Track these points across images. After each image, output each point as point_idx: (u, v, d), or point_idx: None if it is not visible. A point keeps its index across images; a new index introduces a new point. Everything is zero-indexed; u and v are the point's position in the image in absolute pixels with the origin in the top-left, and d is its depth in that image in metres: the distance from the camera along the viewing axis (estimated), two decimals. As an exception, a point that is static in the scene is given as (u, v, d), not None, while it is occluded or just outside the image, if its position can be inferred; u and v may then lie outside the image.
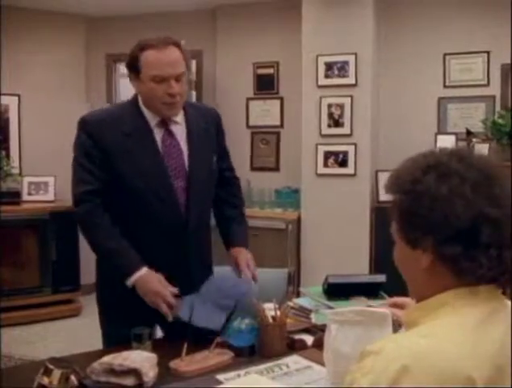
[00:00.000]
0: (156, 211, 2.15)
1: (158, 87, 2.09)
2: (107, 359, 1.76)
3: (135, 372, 1.72)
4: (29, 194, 5.34)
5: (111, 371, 1.74)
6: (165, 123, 2.20)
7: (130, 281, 2.05)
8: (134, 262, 2.07)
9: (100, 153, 2.11)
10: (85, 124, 2.16)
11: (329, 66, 4.57)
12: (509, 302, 1.12)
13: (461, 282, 1.07)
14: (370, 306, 1.75)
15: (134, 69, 2.13)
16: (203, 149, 2.31)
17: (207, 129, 2.39)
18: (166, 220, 2.16)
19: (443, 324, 1.04)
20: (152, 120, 2.18)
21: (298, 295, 3.00)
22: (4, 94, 5.55)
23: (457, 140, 4.55)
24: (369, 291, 2.30)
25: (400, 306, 1.73)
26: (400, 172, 1.14)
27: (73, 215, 2.17)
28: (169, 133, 2.21)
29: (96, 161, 2.11)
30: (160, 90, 2.09)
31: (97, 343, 2.85)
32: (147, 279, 2.04)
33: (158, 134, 2.18)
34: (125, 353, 1.79)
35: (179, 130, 2.24)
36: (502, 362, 1.01)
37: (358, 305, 1.84)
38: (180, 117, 2.25)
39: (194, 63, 5.51)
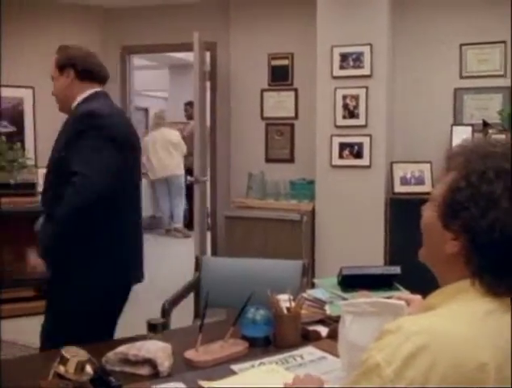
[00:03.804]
0: None
1: None
2: (121, 349, 1.77)
3: (150, 362, 1.73)
4: (45, 185, 5.37)
5: (126, 361, 1.75)
6: None
7: None
8: None
9: None
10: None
11: (344, 57, 4.54)
12: None
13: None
14: (388, 298, 1.75)
15: None
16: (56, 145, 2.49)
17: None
18: None
19: (461, 309, 1.05)
20: None
21: (312, 286, 3.00)
22: (19, 87, 5.59)
23: (473, 131, 4.52)
24: (384, 283, 2.29)
25: (407, 302, 1.72)
26: (475, 157, 1.09)
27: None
28: None
29: None
30: None
31: (112, 334, 2.85)
32: None
33: None
34: (140, 343, 1.80)
35: None
36: None
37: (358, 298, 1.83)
38: None
39: (208, 54, 5.50)
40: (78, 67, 2.47)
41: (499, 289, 1.05)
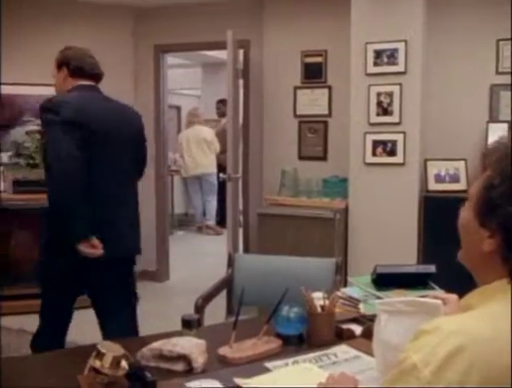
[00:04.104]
0: None
1: None
2: (156, 344, 1.79)
3: (184, 358, 1.74)
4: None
5: (161, 356, 1.76)
6: None
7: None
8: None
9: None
10: None
11: (378, 54, 4.50)
12: None
13: None
14: (423, 297, 1.73)
15: None
16: None
17: None
18: None
19: (499, 310, 1.03)
20: None
21: (345, 285, 2.99)
22: (53, 85, 5.65)
23: (510, 128, 4.44)
24: (418, 281, 2.27)
25: (442, 302, 1.70)
26: (509, 153, 1.07)
27: None
28: None
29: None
30: None
31: (145, 329, 2.89)
32: None
33: None
34: (175, 339, 1.81)
35: None
36: None
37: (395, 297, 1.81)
38: None
39: (241, 52, 5.50)
40: (71, 66, 2.91)
41: None
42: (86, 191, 2.61)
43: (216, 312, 3.21)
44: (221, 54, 7.81)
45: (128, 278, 3.04)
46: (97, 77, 2.97)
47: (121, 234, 2.84)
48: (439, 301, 1.65)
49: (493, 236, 1.06)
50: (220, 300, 3.18)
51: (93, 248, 2.65)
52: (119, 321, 2.92)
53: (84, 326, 4.73)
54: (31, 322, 4.62)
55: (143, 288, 5.66)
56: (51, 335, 2.97)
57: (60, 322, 2.99)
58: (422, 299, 1.69)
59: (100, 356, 1.52)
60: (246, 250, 5.50)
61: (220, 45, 5.21)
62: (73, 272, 2.76)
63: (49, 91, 5.75)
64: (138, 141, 3.03)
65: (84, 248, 2.63)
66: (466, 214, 1.14)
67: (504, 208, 1.04)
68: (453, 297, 1.77)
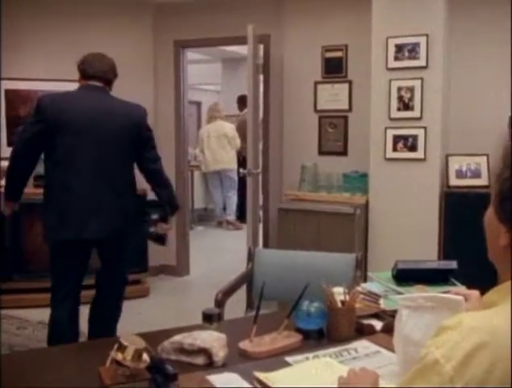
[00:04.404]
0: None
1: None
2: (177, 338, 1.80)
3: (205, 351, 1.76)
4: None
5: (182, 350, 1.78)
6: None
7: None
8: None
9: None
10: None
11: (399, 48, 4.47)
12: None
13: None
14: (445, 293, 1.72)
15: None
16: None
17: None
18: None
19: None
20: None
21: (365, 280, 2.98)
22: (73, 81, 5.69)
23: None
24: (439, 277, 2.26)
25: (464, 298, 1.69)
26: None
27: None
28: None
29: None
30: None
31: (166, 323, 2.91)
32: None
33: None
34: (196, 333, 1.82)
35: None
36: None
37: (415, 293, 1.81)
38: None
39: (261, 47, 5.50)
40: (79, 69, 3.43)
41: None
42: (32, 162, 3.32)
43: (236, 307, 3.22)
44: (241, 49, 7.83)
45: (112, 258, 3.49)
46: (102, 79, 3.40)
47: (82, 220, 3.23)
48: (461, 297, 1.64)
49: (508, 231, 1.06)
50: (241, 294, 3.19)
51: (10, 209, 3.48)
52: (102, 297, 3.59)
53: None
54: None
55: (157, 282, 5.70)
56: (65, 318, 3.36)
57: (69, 303, 3.38)
58: (444, 295, 1.69)
59: (122, 348, 1.54)
60: (266, 245, 5.51)
61: (240, 40, 5.21)
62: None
63: (69, 87, 5.82)
64: (125, 134, 3.34)
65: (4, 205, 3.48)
66: (489, 211, 1.14)
67: (511, 200, 1.03)
68: (475, 293, 1.76)
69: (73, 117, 3.22)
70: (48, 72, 5.57)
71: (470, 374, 0.94)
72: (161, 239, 3.70)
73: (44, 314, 4.66)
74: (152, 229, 3.57)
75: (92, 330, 3.58)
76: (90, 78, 3.37)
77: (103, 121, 3.28)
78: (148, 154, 3.44)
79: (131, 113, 3.42)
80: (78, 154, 3.21)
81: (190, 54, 6.62)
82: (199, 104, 11.87)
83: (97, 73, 3.37)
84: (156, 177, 3.49)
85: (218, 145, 8.56)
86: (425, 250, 4.39)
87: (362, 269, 3.16)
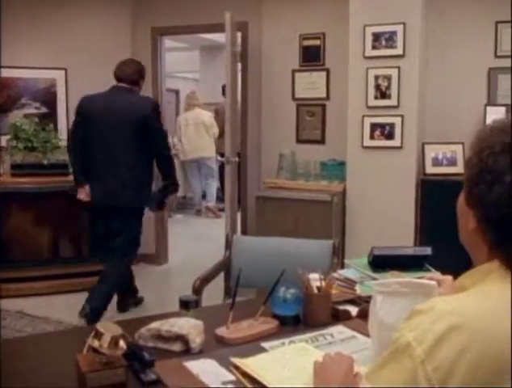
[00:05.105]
0: None
1: None
2: (154, 325, 1.80)
3: (182, 338, 1.76)
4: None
5: (159, 337, 1.78)
6: None
7: None
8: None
9: None
10: None
11: (376, 37, 4.48)
12: None
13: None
14: (419, 278, 1.74)
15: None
16: None
17: None
18: None
19: (493, 290, 1.04)
20: None
21: (342, 266, 3.00)
22: (51, 69, 5.66)
23: (507, 111, 4.44)
24: (414, 263, 2.29)
25: (438, 283, 1.71)
26: (489, 134, 1.09)
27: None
28: None
29: None
30: None
31: (144, 311, 2.91)
32: None
33: None
34: (172, 320, 1.83)
35: None
36: None
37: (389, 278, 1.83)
38: None
39: (239, 35, 5.48)
40: (114, 73, 4.33)
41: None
42: (81, 152, 4.24)
43: (214, 294, 3.23)
44: (219, 37, 7.80)
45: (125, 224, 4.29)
46: (127, 81, 4.30)
47: (109, 189, 4.19)
48: (434, 283, 1.66)
49: (474, 215, 1.08)
50: (219, 282, 3.20)
51: (84, 195, 4.31)
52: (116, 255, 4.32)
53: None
54: (30, 305, 4.67)
55: (138, 270, 5.70)
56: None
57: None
58: (418, 280, 1.71)
59: (99, 335, 1.53)
60: (244, 233, 5.52)
61: (218, 28, 5.19)
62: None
63: (47, 75, 5.78)
64: (130, 126, 4.12)
65: (79, 193, 4.34)
66: (461, 196, 1.16)
67: (478, 186, 1.06)
68: (448, 278, 1.79)
69: (95, 110, 4.17)
70: (28, 60, 5.52)
71: (441, 357, 0.96)
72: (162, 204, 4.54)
73: (24, 304, 4.66)
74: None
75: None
76: (118, 80, 4.30)
77: (117, 113, 4.14)
78: (156, 141, 4.22)
79: (139, 106, 4.21)
80: (97, 138, 4.18)
81: (168, 42, 6.58)
82: (177, 92, 11.82)
83: (118, 76, 4.30)
84: (161, 160, 4.32)
85: (196, 134, 8.52)
86: (402, 237, 4.44)
87: (339, 256, 3.18)
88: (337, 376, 1.42)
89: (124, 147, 4.16)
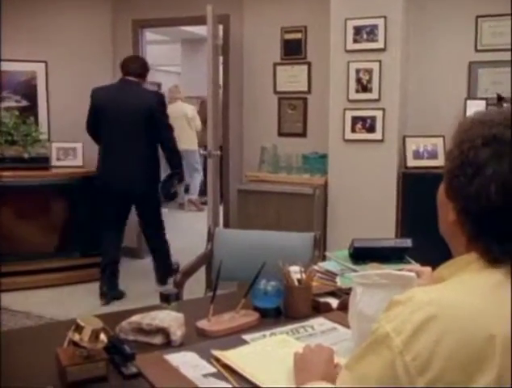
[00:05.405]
0: None
1: None
2: (135, 318, 1.80)
3: (163, 331, 1.76)
4: (58, 159, 5.42)
5: (140, 330, 1.78)
6: None
7: None
8: None
9: None
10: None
11: (357, 30, 4.50)
12: None
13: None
14: (399, 270, 1.76)
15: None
16: None
17: None
18: None
19: (471, 280, 1.05)
20: None
21: (324, 259, 3.02)
22: (32, 61, 5.61)
23: (487, 105, 4.48)
24: (395, 255, 2.30)
25: (417, 274, 1.73)
26: (469, 126, 1.10)
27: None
28: None
29: None
30: None
31: (125, 304, 2.90)
32: None
33: None
34: (153, 313, 1.83)
35: None
36: None
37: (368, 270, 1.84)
38: None
39: (220, 28, 5.46)
40: (120, 67, 4.78)
41: (491, 256, 1.05)
42: (95, 136, 4.75)
43: (195, 287, 3.23)
44: (200, 30, 7.78)
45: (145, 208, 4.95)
46: (134, 74, 4.68)
47: (119, 175, 4.60)
48: (413, 274, 1.68)
49: (454, 208, 1.10)
50: (200, 275, 3.20)
51: None
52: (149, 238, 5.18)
53: (64, 303, 4.76)
54: (12, 300, 4.64)
55: (124, 263, 5.69)
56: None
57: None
58: (397, 272, 1.72)
59: (79, 329, 1.53)
60: (226, 226, 5.52)
61: (200, 20, 5.17)
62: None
63: (27, 68, 5.72)
64: (139, 115, 4.52)
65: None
66: (441, 188, 1.17)
67: (458, 178, 1.07)
68: (427, 269, 1.80)
69: (105, 101, 4.58)
70: (8, 53, 5.45)
71: (418, 347, 0.96)
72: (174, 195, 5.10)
73: (5, 299, 4.62)
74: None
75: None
76: (125, 73, 4.68)
77: (128, 103, 4.54)
78: (162, 132, 4.67)
79: (146, 97, 4.63)
80: (107, 128, 4.58)
81: (150, 34, 6.54)
82: (159, 85, 11.76)
83: (123, 69, 4.71)
84: (167, 151, 4.81)
85: (178, 127, 8.47)
86: (383, 230, 4.47)
87: (320, 248, 3.19)
88: (318, 367, 1.43)
89: (135, 134, 4.55)
